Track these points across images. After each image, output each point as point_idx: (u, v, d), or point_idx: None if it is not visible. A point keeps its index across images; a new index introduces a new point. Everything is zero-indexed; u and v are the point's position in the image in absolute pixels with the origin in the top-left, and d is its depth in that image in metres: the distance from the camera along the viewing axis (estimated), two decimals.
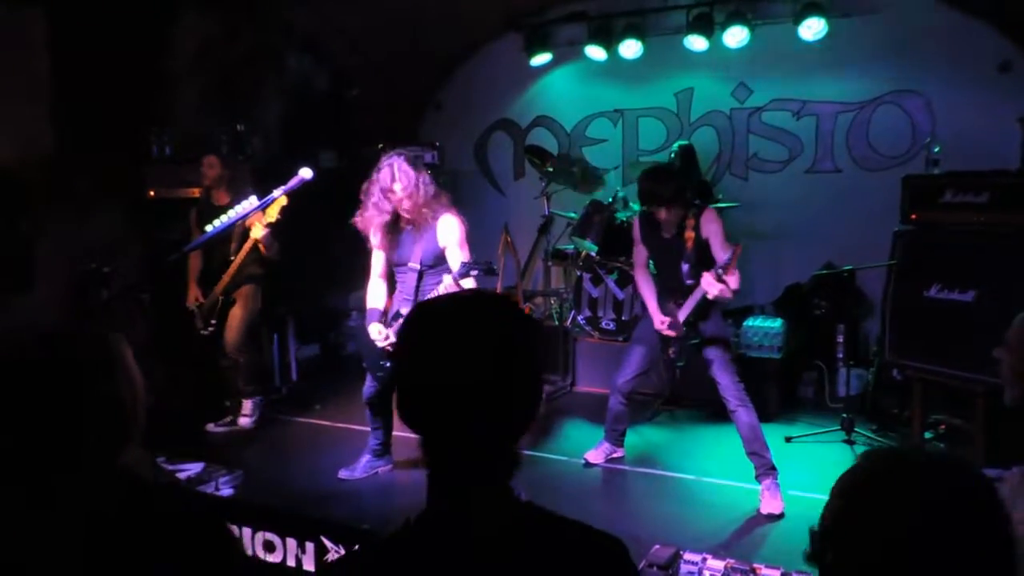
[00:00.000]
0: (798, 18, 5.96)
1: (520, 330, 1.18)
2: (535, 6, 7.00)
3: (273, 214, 4.35)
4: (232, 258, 4.68)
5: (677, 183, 4.09)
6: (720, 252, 3.95)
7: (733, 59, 6.40)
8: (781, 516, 3.84)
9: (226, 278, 4.72)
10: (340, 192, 6.79)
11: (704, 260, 4.04)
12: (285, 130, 6.35)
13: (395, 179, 3.75)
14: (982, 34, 5.66)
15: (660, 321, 4.21)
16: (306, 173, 3.36)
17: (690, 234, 4.07)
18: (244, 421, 5.12)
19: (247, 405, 5.16)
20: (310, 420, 5.43)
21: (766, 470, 3.99)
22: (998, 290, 4.07)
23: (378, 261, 4.09)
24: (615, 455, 4.67)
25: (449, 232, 3.84)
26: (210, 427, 5.06)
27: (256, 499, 3.92)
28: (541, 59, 7.00)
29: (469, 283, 3.73)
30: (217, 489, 4.03)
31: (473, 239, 4.05)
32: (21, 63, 4.73)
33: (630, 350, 4.44)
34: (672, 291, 4.21)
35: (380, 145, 6.71)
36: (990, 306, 4.10)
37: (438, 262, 3.84)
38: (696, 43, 6.29)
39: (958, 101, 5.78)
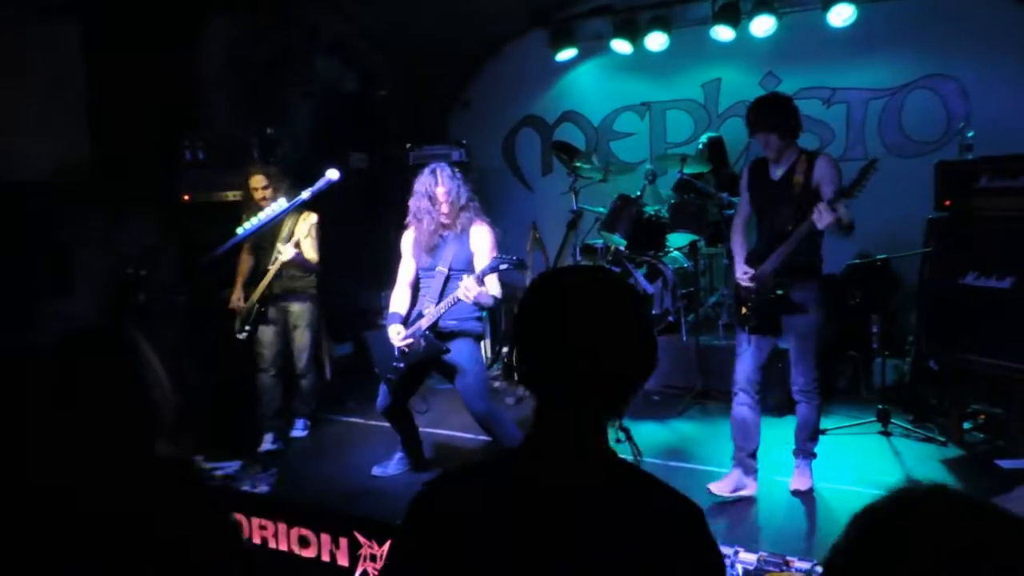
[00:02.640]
0: (827, 4, 5.88)
1: (630, 295, 1.31)
2: (560, 2, 7.00)
3: (303, 230, 4.38)
4: (269, 267, 4.63)
5: (783, 110, 3.74)
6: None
7: (760, 48, 6.34)
8: (810, 491, 3.91)
9: (261, 288, 4.66)
10: (371, 191, 6.90)
11: (809, 210, 3.67)
12: (314, 132, 6.43)
13: (439, 183, 3.89)
14: (1017, 15, 5.53)
15: (742, 272, 3.87)
16: (333, 174, 3.41)
17: (798, 179, 3.74)
18: (297, 434, 5.08)
19: (299, 423, 5.12)
20: (344, 418, 5.50)
21: (804, 454, 4.00)
22: None
23: (407, 269, 4.15)
24: (744, 491, 3.94)
25: (480, 240, 3.94)
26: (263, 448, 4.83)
27: (291, 496, 3.99)
28: (567, 54, 7.00)
29: (493, 280, 3.80)
30: (254, 486, 4.11)
31: (503, 236, 4.12)
32: (58, 74, 4.85)
33: (738, 338, 4.04)
34: (775, 241, 3.79)
35: (408, 145, 6.79)
36: None
37: (466, 267, 3.91)
38: (723, 33, 6.24)
39: (994, 84, 5.66)
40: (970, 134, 4.71)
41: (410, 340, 3.92)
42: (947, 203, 4.49)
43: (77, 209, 4.71)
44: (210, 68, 5.77)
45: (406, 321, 4.04)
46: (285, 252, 4.40)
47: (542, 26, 7.11)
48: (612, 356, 1.24)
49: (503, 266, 3.66)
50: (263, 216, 3.41)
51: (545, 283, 1.32)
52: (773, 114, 3.73)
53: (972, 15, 5.67)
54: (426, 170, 4.00)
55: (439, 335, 3.93)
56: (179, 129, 5.44)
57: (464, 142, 6.87)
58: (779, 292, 3.75)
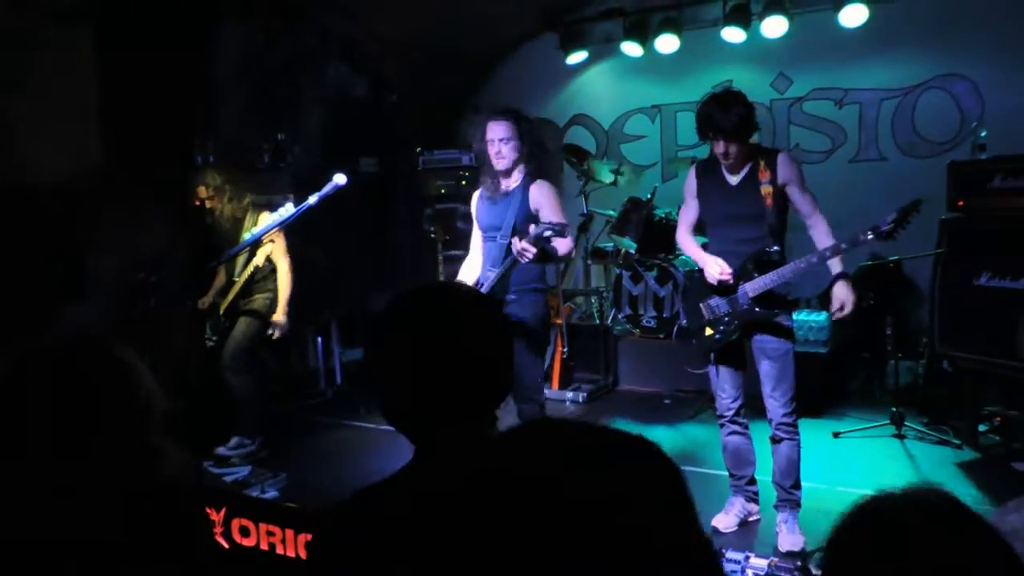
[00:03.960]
0: (839, 5, 5.83)
1: (476, 314, 1.33)
2: (570, 4, 6.99)
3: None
4: (236, 279, 4.54)
5: (744, 110, 3.26)
6: (803, 202, 3.37)
7: (772, 49, 6.30)
8: (802, 552, 3.37)
9: (229, 298, 4.57)
10: (381, 195, 6.92)
11: (781, 220, 3.41)
12: (325, 137, 6.46)
13: (492, 138, 3.54)
14: None
15: (719, 268, 3.37)
16: (340, 179, 3.41)
17: (767, 189, 3.30)
18: (223, 451, 4.65)
19: (232, 440, 4.69)
20: (355, 423, 5.50)
21: (789, 505, 3.53)
22: None
23: (477, 235, 3.83)
24: (751, 518, 3.73)
25: (544, 195, 3.55)
26: (220, 450, 4.65)
27: (301, 502, 4.00)
28: (577, 57, 6.99)
29: (562, 245, 3.45)
30: (263, 492, 4.11)
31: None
32: (71, 79, 4.90)
33: (712, 369, 3.64)
34: (752, 262, 3.39)
35: (418, 149, 6.81)
36: None
37: (528, 228, 3.49)
38: (733, 35, 6.21)
39: (1007, 83, 5.59)
40: (983, 134, 4.66)
41: None
42: (960, 203, 4.44)
43: (89, 214, 4.74)
44: (222, 73, 5.81)
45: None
46: (279, 322, 4.46)
47: (552, 29, 7.10)
48: (470, 375, 1.29)
49: (547, 233, 3.27)
50: (270, 221, 3.43)
51: (398, 306, 1.35)
52: (736, 116, 3.25)
53: (985, 14, 5.61)
54: (490, 125, 3.57)
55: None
56: (191, 133, 5.47)
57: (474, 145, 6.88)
58: (754, 318, 3.40)
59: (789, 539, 3.46)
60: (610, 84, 7.22)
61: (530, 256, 3.29)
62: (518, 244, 3.31)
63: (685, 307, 3.79)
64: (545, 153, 3.68)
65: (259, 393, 4.74)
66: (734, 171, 3.44)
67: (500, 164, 3.55)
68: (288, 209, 3.42)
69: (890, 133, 6.14)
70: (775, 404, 3.46)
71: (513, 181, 3.60)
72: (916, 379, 5.22)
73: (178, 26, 5.19)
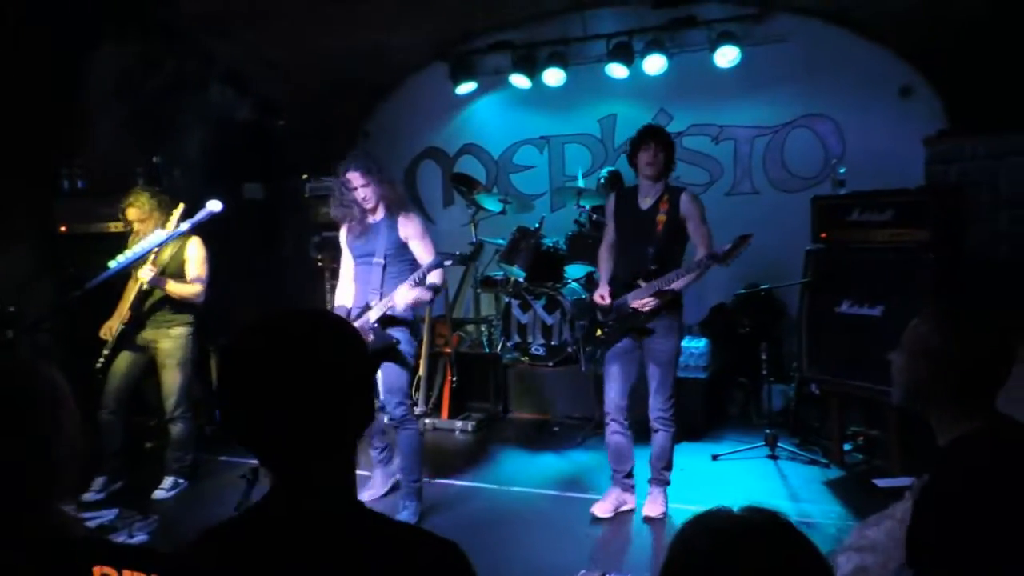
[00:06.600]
0: (713, 46, 6.14)
1: (334, 342, 1.28)
2: (460, 36, 7.06)
3: (164, 255, 4.17)
4: (131, 308, 4.32)
5: (671, 142, 4.07)
6: (696, 236, 3.96)
7: (653, 86, 6.55)
8: (662, 518, 4.04)
9: (115, 322, 4.37)
10: (266, 222, 6.74)
11: (673, 247, 4.00)
12: (207, 162, 6.24)
13: (350, 170, 4.07)
14: (884, 60, 5.92)
15: (599, 295, 4.10)
16: (214, 206, 3.30)
17: (662, 218, 3.94)
18: (159, 495, 4.60)
19: (166, 481, 4.67)
20: (234, 460, 5.27)
21: (659, 483, 4.13)
22: (904, 303, 4.23)
23: (348, 263, 4.31)
24: (624, 507, 4.19)
25: (411, 228, 4.15)
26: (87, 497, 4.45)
27: (172, 546, 3.79)
28: (467, 88, 7.06)
29: (435, 276, 4.03)
30: (131, 536, 3.87)
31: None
32: None
33: (605, 367, 4.17)
34: (636, 276, 3.98)
35: (304, 176, 6.68)
36: (897, 319, 4.23)
37: (400, 254, 4.12)
38: (617, 71, 6.42)
39: (865, 124, 6.02)
40: (842, 170, 4.99)
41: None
42: (823, 235, 4.72)
43: None
44: (95, 94, 5.53)
45: (350, 312, 4.15)
46: (143, 274, 4.10)
47: (443, 59, 7.16)
48: (326, 406, 1.23)
49: (448, 263, 3.93)
50: (137, 248, 3.26)
51: (251, 334, 1.28)
52: (667, 142, 4.01)
53: (846, 60, 6.03)
54: (343, 177, 4.11)
55: (385, 323, 4.07)
56: (57, 156, 5.18)
57: None
58: (632, 328, 3.99)
59: (653, 508, 4.07)
60: (499, 115, 7.32)
61: (407, 302, 4.01)
62: (407, 297, 3.97)
63: (589, 315, 4.36)
64: (392, 183, 4.26)
65: (194, 436, 4.82)
66: (645, 196, 4.04)
67: (368, 204, 4.11)
68: (158, 235, 3.27)
69: (762, 168, 6.49)
70: (656, 400, 4.03)
71: (378, 215, 4.17)
72: (788, 402, 5.48)
73: (46, 45, 4.92)
